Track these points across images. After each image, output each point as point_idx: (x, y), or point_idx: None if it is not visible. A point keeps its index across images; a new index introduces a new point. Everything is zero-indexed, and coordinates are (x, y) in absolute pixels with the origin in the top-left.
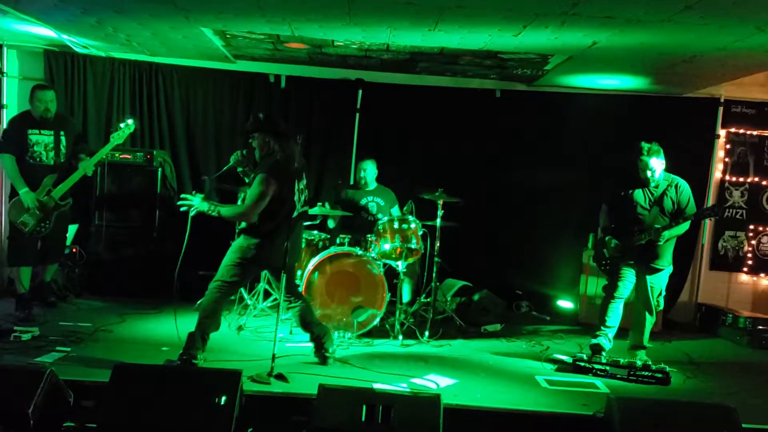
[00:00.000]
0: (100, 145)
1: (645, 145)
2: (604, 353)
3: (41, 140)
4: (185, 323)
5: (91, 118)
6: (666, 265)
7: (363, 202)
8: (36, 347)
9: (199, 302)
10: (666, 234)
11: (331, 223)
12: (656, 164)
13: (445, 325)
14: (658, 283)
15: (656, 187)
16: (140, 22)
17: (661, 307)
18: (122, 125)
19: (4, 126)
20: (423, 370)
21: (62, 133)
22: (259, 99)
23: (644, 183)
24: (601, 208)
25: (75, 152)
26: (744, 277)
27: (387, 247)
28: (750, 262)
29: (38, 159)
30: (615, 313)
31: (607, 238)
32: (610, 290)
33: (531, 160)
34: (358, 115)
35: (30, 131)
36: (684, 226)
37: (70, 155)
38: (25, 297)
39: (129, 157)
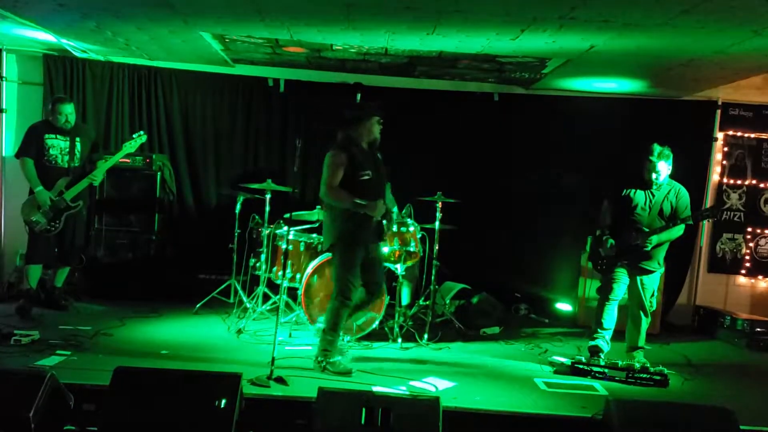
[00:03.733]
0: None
1: (657, 148)
2: (602, 355)
3: (57, 144)
4: (186, 326)
5: (90, 123)
6: (657, 267)
7: None
8: (36, 351)
9: None
10: (654, 239)
11: None
12: (663, 168)
13: (444, 328)
14: (650, 284)
15: (658, 189)
16: (139, 27)
17: (654, 307)
18: (135, 135)
19: (5, 130)
20: (422, 372)
21: (78, 139)
22: (258, 103)
23: (647, 184)
24: (602, 204)
25: (91, 159)
26: (742, 280)
27: (386, 250)
28: (748, 265)
29: (54, 162)
30: (611, 315)
31: (604, 237)
32: (604, 292)
33: (529, 163)
34: None
35: (47, 136)
36: (677, 231)
37: (85, 160)
38: (31, 294)
39: (128, 161)
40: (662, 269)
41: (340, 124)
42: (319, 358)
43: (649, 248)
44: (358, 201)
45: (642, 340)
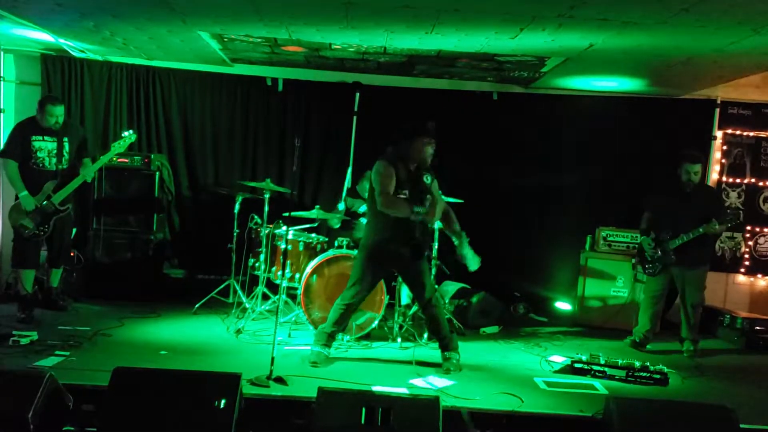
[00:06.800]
0: (97, 148)
1: (693, 153)
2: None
3: (44, 146)
4: (185, 326)
5: (88, 122)
6: (700, 262)
7: (362, 210)
8: (35, 351)
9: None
10: (677, 242)
11: (335, 223)
12: (699, 170)
13: None
14: (696, 278)
15: (690, 191)
16: (137, 26)
17: (698, 300)
18: (124, 134)
19: (3, 130)
20: (422, 372)
21: (66, 139)
22: (257, 102)
23: (680, 188)
24: (643, 215)
25: (79, 158)
26: (741, 278)
27: None
28: (747, 263)
29: (41, 164)
30: (655, 314)
31: (641, 239)
32: (651, 292)
33: (528, 162)
34: (355, 118)
35: (34, 137)
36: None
37: (73, 161)
38: (27, 298)
39: (126, 161)
40: (706, 265)
41: (392, 138)
42: (314, 348)
43: (672, 247)
44: (417, 209)
45: (687, 331)
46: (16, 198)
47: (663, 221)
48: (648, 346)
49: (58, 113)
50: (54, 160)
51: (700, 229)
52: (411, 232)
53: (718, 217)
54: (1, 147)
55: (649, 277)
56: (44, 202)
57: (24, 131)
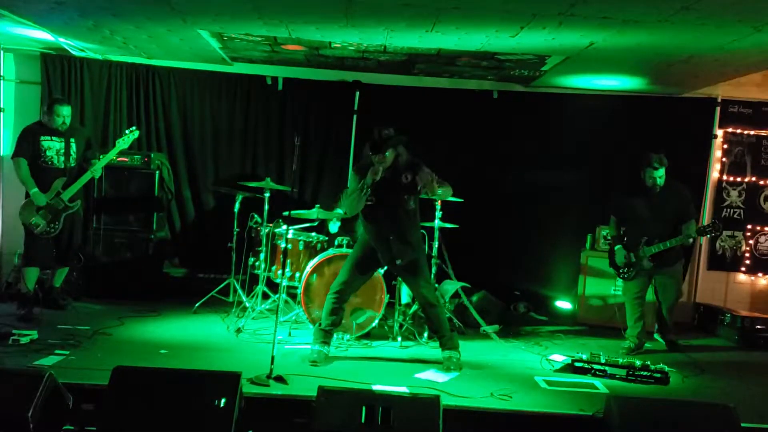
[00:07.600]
0: (97, 147)
1: (655, 156)
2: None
3: (53, 146)
4: (185, 325)
5: (88, 121)
6: (674, 260)
7: None
8: (35, 350)
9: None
10: (653, 249)
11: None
12: (663, 174)
13: None
14: (673, 275)
15: (658, 193)
16: (137, 25)
17: (682, 296)
18: (127, 131)
19: (2, 130)
20: (422, 370)
21: (72, 140)
22: (257, 101)
23: (648, 191)
24: (610, 219)
25: (86, 157)
26: (742, 277)
27: None
28: (748, 262)
29: (49, 162)
30: (639, 314)
31: (617, 248)
32: (630, 294)
33: (529, 160)
34: (355, 116)
35: (42, 138)
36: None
37: (80, 160)
38: (28, 297)
39: (126, 160)
40: (681, 260)
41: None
42: (314, 347)
43: (648, 255)
44: (361, 183)
45: (663, 331)
46: (26, 197)
47: (632, 225)
48: (646, 345)
49: (65, 113)
50: (62, 158)
51: (677, 240)
52: (388, 231)
53: (691, 221)
54: (11, 149)
55: (627, 281)
56: (54, 200)
57: (32, 132)
